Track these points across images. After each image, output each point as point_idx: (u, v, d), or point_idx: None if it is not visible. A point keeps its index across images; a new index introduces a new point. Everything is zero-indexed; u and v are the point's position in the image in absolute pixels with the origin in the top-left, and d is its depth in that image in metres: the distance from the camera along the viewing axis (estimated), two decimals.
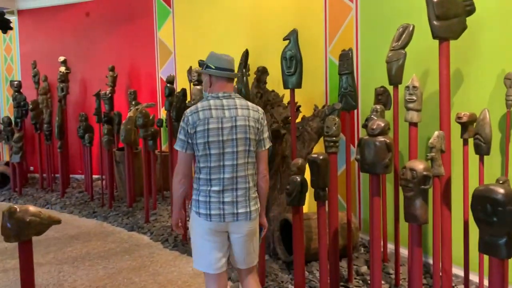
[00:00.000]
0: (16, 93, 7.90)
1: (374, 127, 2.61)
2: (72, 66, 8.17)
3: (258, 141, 2.46)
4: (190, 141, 2.34)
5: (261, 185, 2.52)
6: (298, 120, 4.33)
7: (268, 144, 2.52)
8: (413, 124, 3.08)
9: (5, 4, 8.35)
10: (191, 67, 6.12)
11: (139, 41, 7.83)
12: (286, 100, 4.41)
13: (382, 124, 2.61)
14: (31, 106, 7.32)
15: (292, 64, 3.45)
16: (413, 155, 3.09)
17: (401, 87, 3.42)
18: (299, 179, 2.86)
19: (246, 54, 3.61)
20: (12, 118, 7.58)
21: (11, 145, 7.15)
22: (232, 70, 2.47)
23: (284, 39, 3.49)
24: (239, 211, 2.37)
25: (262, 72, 4.20)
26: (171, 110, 4.56)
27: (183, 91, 4.51)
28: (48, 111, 7.18)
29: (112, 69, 7.65)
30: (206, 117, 2.32)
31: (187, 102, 5.10)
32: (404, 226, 3.01)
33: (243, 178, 2.38)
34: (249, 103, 2.47)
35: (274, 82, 5.03)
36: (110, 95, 7.39)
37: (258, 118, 2.44)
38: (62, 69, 7.71)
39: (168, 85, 5.14)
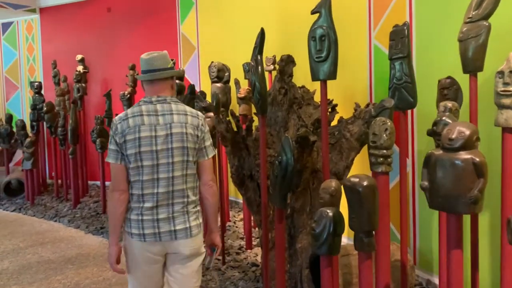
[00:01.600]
0: (36, 95, 7.31)
1: (454, 136, 1.57)
2: (92, 66, 7.48)
3: (199, 150, 2.16)
4: (122, 151, 2.04)
5: (207, 197, 2.22)
6: (334, 123, 3.29)
7: (211, 153, 2.22)
8: (509, 130, 1.99)
9: (26, 2, 7.78)
10: (212, 62, 5.20)
11: (161, 37, 7.01)
12: (318, 97, 3.39)
13: (467, 132, 1.56)
14: (45, 108, 6.64)
15: (324, 46, 2.43)
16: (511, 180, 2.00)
17: (481, 76, 2.34)
18: (331, 214, 1.86)
19: (261, 35, 2.63)
20: (28, 121, 6.96)
21: (23, 151, 6.50)
22: (159, 69, 2.10)
23: (313, 12, 2.48)
24: (177, 227, 2.08)
25: (287, 63, 3.20)
26: None
27: (191, 88, 3.58)
28: (62, 113, 6.47)
29: (133, 67, 6.88)
30: (136, 124, 2.03)
31: (205, 100, 4.22)
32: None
33: (181, 192, 2.10)
34: (187, 108, 2.17)
35: (306, 76, 4.04)
36: (128, 95, 6.62)
37: (197, 124, 2.14)
38: (80, 68, 7.00)
39: (177, 81, 4.23)
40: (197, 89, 6.63)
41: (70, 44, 7.68)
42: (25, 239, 4.89)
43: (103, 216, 5.62)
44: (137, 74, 7.01)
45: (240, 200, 5.34)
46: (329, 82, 2.54)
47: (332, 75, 2.45)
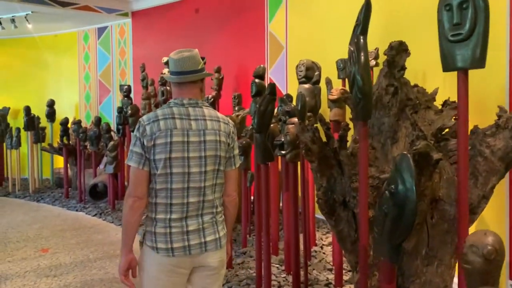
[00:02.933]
0: (125, 98, 7.16)
1: None
2: None
3: (228, 159, 2.00)
4: (147, 155, 1.84)
5: (229, 209, 2.06)
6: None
7: (238, 162, 2.06)
8: None
9: (119, 6, 7.72)
10: (300, 60, 4.47)
11: (248, 36, 6.45)
12: (440, 99, 2.47)
13: None
14: (130, 111, 6.40)
15: (466, 17, 1.57)
16: None
17: None
18: None
19: (366, 8, 1.80)
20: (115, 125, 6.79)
21: (106, 154, 6.30)
22: (193, 71, 1.92)
23: None
24: (207, 239, 1.91)
25: (398, 51, 2.34)
26: (254, 115, 2.94)
27: (271, 88, 2.87)
28: None
29: (218, 70, 6.40)
30: (168, 127, 1.84)
31: (289, 104, 3.50)
32: None
33: (211, 202, 1.94)
34: (219, 114, 2.01)
35: (417, 75, 3.14)
36: (212, 99, 6.13)
37: (229, 132, 1.99)
38: (165, 70, 6.66)
39: (256, 80, 3.56)
40: (283, 91, 5.96)
41: (158, 47, 7.45)
42: (97, 249, 4.54)
43: None
44: (222, 77, 6.53)
45: None
46: (444, 76, 1.66)
47: (479, 61, 1.57)
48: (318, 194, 2.33)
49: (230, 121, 2.04)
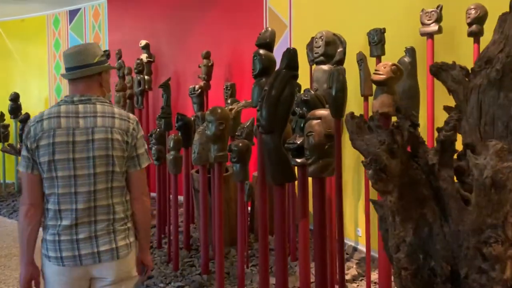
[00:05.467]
0: None
1: None
2: (161, 55, 5.93)
3: (130, 159, 1.81)
4: (34, 158, 1.73)
5: (138, 214, 1.87)
6: None
7: (145, 162, 1.86)
8: None
9: None
10: (312, 38, 3.32)
11: (243, 15, 5.25)
12: None
13: None
14: None
15: None
16: None
17: None
18: None
19: None
20: None
21: None
22: (83, 66, 1.77)
23: None
24: (101, 248, 1.74)
25: None
26: (259, 105, 1.76)
27: (290, 57, 1.67)
28: None
29: (207, 56, 5.21)
30: (51, 127, 1.72)
31: (308, 90, 2.34)
32: None
33: (105, 208, 1.76)
34: (116, 109, 1.82)
35: None
36: (200, 90, 4.92)
37: (127, 129, 1.80)
38: (143, 56, 5.46)
39: (261, 52, 2.35)
40: None
41: (138, 31, 6.20)
42: None
43: (156, 254, 3.96)
44: (211, 64, 5.34)
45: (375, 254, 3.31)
46: None
47: None
48: (397, 257, 1.14)
49: (131, 117, 1.86)
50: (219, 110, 2.53)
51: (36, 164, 1.71)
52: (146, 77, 5.35)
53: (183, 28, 5.88)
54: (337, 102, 2.27)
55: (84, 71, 1.77)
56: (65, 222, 1.71)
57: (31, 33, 7.58)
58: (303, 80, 3.76)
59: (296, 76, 1.63)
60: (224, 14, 5.44)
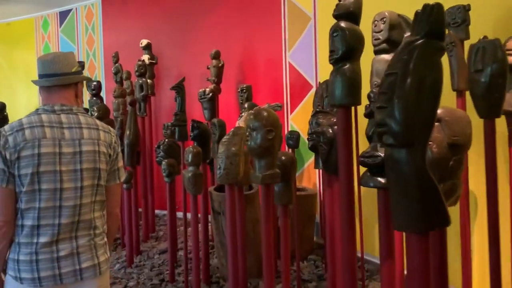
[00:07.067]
0: (94, 98, 5.22)
1: None
2: (163, 58, 5.25)
3: (111, 172, 1.77)
4: (11, 171, 1.58)
5: (110, 227, 1.81)
6: None
7: (123, 176, 1.83)
8: None
9: None
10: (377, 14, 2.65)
11: (257, 9, 4.61)
12: None
13: None
14: (96, 114, 4.47)
15: None
16: None
17: None
18: None
19: None
20: None
21: None
22: (63, 74, 1.69)
23: None
24: (83, 265, 1.65)
25: None
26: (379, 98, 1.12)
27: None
28: (119, 121, 4.25)
29: (216, 55, 4.54)
30: (36, 137, 1.59)
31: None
32: None
33: (88, 223, 1.68)
34: (98, 122, 1.77)
35: None
36: (211, 94, 4.26)
37: (110, 142, 1.76)
38: (145, 57, 4.76)
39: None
40: (311, 81, 4.11)
41: (136, 32, 5.52)
42: None
43: None
44: (222, 65, 4.67)
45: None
46: None
47: None
48: None
49: (112, 129, 1.80)
50: (265, 114, 1.85)
51: (13, 177, 1.58)
52: (148, 81, 4.65)
53: (187, 26, 5.22)
54: (493, 93, 1.58)
55: (62, 79, 1.68)
56: (44, 239, 1.59)
57: (18, 37, 6.85)
58: None
59: (443, 50, 0.96)
60: (235, 7, 4.79)
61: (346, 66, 1.43)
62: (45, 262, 1.60)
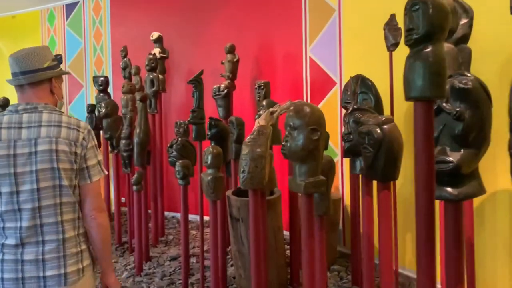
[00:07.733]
0: (101, 94, 4.97)
1: None
2: (173, 52, 4.97)
3: (80, 171, 1.64)
4: None
5: (90, 232, 1.66)
6: None
7: (97, 175, 1.68)
8: None
9: None
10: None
11: (273, 2, 4.31)
12: None
13: None
14: (103, 110, 4.20)
15: None
16: None
17: None
18: None
19: None
20: None
21: None
22: (30, 71, 1.59)
23: None
24: (47, 273, 1.56)
25: None
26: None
27: None
28: (128, 118, 3.97)
29: (231, 50, 4.25)
30: None
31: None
32: None
33: (54, 227, 1.59)
34: (65, 118, 1.63)
35: None
36: (225, 91, 3.99)
37: (75, 139, 1.62)
38: (155, 51, 4.47)
39: None
40: (335, 77, 3.80)
41: (146, 25, 5.24)
42: None
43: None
44: (237, 60, 4.38)
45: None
46: None
47: None
48: None
49: (82, 125, 1.65)
50: (308, 110, 1.56)
51: None
52: (160, 76, 4.37)
53: (199, 18, 4.93)
54: None
55: (31, 77, 1.60)
56: (9, 241, 1.56)
57: (23, 31, 6.58)
58: (381, 70, 2.81)
59: None
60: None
61: (428, 49, 1.14)
62: (9, 263, 1.56)
